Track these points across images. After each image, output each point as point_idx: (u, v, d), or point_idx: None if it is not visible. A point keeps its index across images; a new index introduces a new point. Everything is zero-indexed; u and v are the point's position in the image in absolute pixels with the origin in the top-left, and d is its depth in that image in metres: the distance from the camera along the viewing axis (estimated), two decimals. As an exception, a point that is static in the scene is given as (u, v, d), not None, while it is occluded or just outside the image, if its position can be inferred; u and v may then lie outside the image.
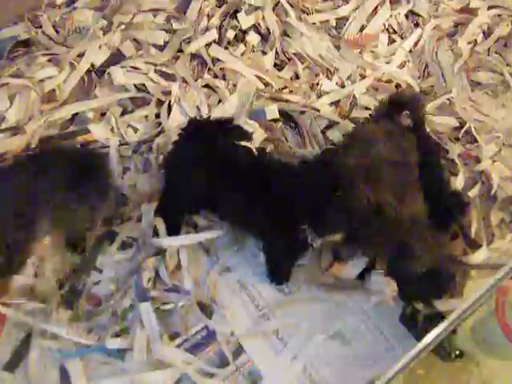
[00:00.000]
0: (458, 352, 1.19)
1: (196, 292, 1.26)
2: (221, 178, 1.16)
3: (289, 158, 1.46)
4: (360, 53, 1.77)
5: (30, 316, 1.19)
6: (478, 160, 1.54)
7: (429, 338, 0.81)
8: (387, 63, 1.76)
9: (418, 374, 1.24)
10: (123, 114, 1.53)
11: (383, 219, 1.12)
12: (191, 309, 1.24)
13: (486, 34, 1.88)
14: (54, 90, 1.51)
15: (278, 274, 1.29)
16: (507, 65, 1.83)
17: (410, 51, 1.81)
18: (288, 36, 1.74)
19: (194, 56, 1.67)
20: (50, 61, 1.55)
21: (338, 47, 1.75)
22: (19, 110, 1.44)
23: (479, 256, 1.34)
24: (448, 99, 1.65)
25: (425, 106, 1.40)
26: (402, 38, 1.83)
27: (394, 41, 1.83)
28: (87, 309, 1.24)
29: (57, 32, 1.64)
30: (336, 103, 1.64)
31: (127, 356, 1.18)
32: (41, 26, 1.64)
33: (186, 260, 1.29)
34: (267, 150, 1.42)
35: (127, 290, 1.25)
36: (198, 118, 1.37)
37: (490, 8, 1.92)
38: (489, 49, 1.86)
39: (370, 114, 1.41)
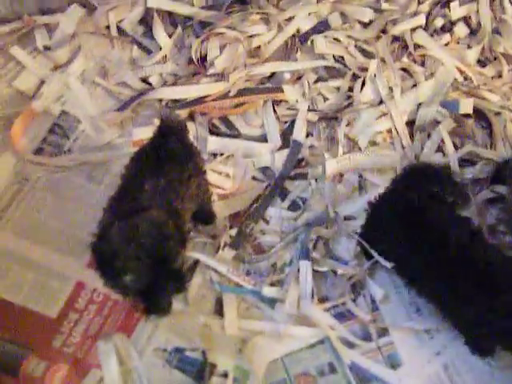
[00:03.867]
0: None
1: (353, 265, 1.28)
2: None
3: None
4: None
5: (200, 248, 1.30)
6: None
7: None
8: None
9: None
10: (317, 81, 1.57)
11: None
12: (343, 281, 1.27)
13: None
14: (259, 47, 1.59)
15: None
16: None
17: None
18: (499, 34, 1.66)
19: (396, 38, 1.66)
20: (261, 19, 1.63)
21: (556, 55, 1.64)
22: (227, 59, 1.54)
23: None
24: None
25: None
26: None
27: None
28: (250, 254, 1.31)
29: (274, -6, 1.72)
30: (538, 113, 1.54)
31: (277, 306, 1.23)
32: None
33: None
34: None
35: (289, 245, 1.31)
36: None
37: None
38: None
39: None
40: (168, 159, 1.06)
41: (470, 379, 1.16)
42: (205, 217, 1.30)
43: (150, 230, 0.92)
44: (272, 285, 1.26)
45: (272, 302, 1.24)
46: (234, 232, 1.32)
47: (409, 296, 1.26)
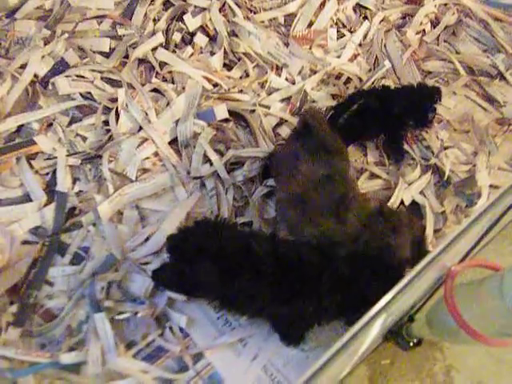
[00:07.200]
0: (415, 340, 1.18)
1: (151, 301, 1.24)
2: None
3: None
4: (310, 48, 1.76)
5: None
6: (429, 148, 1.54)
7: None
8: (337, 57, 1.76)
9: (382, 364, 1.23)
10: (70, 123, 1.50)
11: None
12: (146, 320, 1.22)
13: (434, 24, 1.90)
14: (-3, 103, 1.48)
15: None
16: (456, 53, 1.84)
17: (360, 44, 1.81)
18: (236, 36, 1.72)
19: (141, 61, 1.65)
20: (-3, 73, 1.51)
21: (287, 44, 1.74)
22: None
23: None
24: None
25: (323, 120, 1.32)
26: (350, 32, 1.83)
27: (343, 35, 1.83)
28: (40, 324, 1.20)
29: (-3, 45, 1.61)
30: (287, 100, 1.63)
31: (83, 369, 1.15)
32: (-20, 40, 1.61)
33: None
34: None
35: (80, 301, 1.23)
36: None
37: (435, -3, 1.94)
38: (437, 38, 1.87)
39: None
40: None
41: (289, 370, 1.19)
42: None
43: None
44: (72, 349, 1.17)
45: (77, 367, 1.15)
46: (15, 308, 1.20)
47: (215, 312, 1.26)
